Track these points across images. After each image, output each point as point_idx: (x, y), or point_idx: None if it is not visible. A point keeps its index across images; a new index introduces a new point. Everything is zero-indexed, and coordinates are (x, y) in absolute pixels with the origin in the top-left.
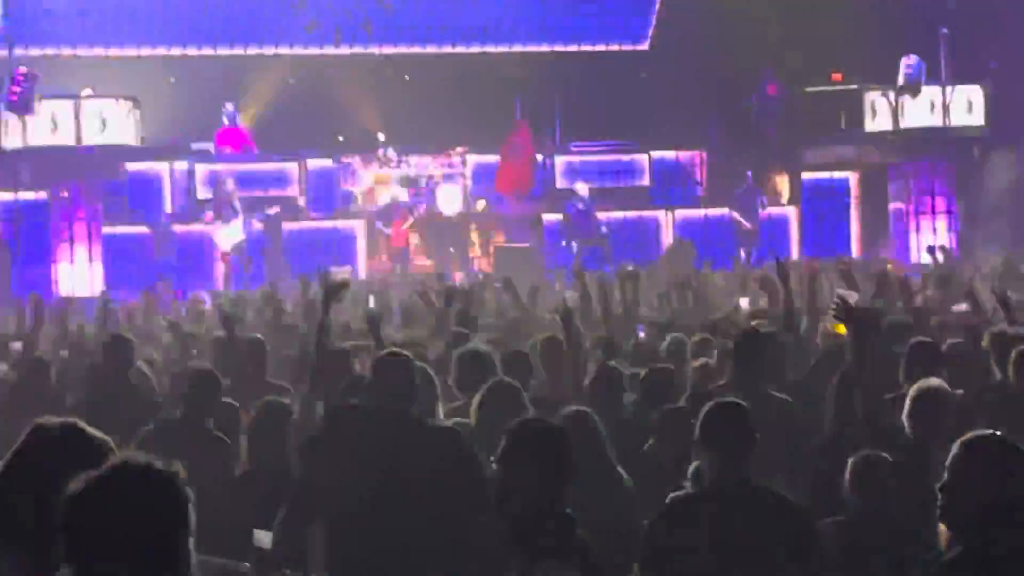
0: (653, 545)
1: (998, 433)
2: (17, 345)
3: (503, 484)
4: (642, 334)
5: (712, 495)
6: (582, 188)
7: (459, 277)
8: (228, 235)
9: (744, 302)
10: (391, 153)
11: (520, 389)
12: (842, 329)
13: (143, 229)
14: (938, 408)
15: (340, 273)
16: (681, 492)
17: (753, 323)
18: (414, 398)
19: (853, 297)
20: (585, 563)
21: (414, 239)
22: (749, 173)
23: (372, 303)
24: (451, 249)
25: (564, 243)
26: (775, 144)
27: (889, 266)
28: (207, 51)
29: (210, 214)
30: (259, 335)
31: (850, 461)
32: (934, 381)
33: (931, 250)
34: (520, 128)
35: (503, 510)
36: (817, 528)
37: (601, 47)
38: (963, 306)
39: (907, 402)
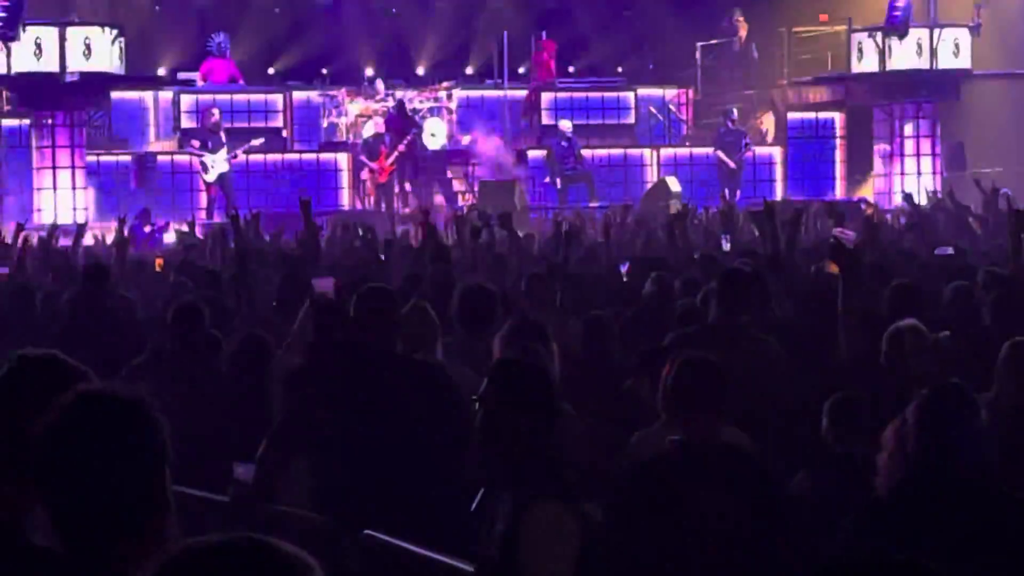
0: (619, 500)
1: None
2: (3, 270)
3: (488, 423)
4: (624, 269)
5: (678, 455)
6: (566, 124)
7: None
8: (213, 165)
9: (726, 241)
10: (379, 85)
11: (545, 327)
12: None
13: (126, 158)
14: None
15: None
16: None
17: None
18: (397, 332)
19: (848, 235)
20: (570, 498)
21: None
22: (734, 111)
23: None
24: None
25: (548, 179)
26: (739, 85)
27: (868, 210)
28: None
29: (196, 142)
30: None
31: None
32: (909, 321)
33: (907, 197)
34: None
35: (488, 448)
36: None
37: None
38: (949, 250)
39: (883, 343)
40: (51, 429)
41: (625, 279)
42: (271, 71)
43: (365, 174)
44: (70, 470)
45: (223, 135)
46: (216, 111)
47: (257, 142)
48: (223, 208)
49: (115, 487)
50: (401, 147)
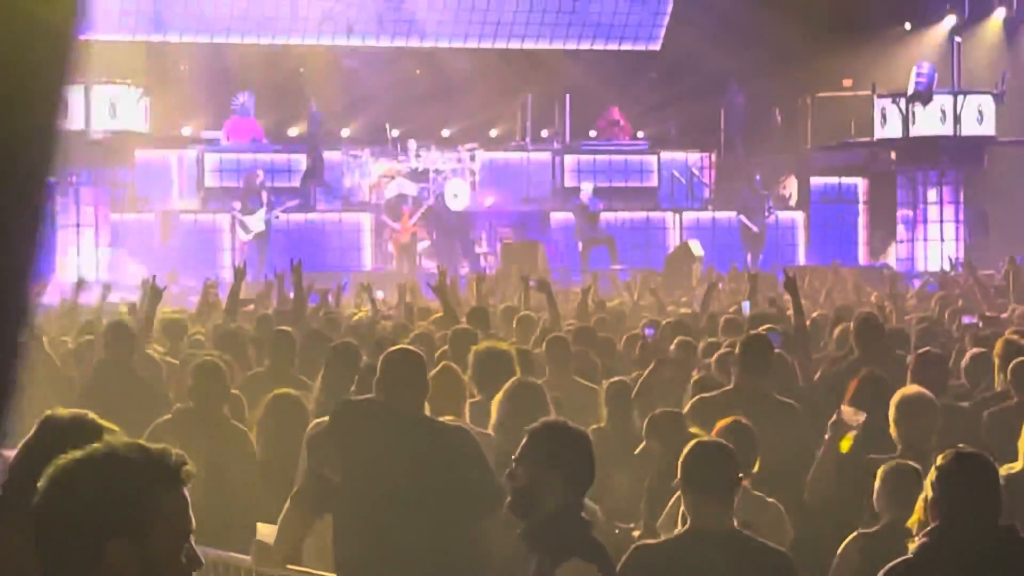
0: None
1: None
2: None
3: (525, 487)
4: (649, 333)
5: (690, 539)
6: (587, 187)
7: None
8: (252, 226)
9: (747, 306)
10: (411, 146)
11: (542, 389)
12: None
13: (149, 216)
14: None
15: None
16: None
17: (760, 328)
18: (425, 394)
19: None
20: (604, 564)
21: (421, 234)
22: (758, 176)
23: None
24: (457, 244)
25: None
26: (740, 152)
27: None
28: (219, 40)
29: (237, 204)
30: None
31: (881, 470)
32: (914, 388)
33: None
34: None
35: (522, 512)
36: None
37: (613, 46)
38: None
39: (892, 409)
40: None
41: (649, 342)
42: (295, 131)
43: (387, 234)
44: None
45: (264, 196)
46: (260, 172)
47: (292, 204)
48: (254, 266)
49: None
50: (424, 207)
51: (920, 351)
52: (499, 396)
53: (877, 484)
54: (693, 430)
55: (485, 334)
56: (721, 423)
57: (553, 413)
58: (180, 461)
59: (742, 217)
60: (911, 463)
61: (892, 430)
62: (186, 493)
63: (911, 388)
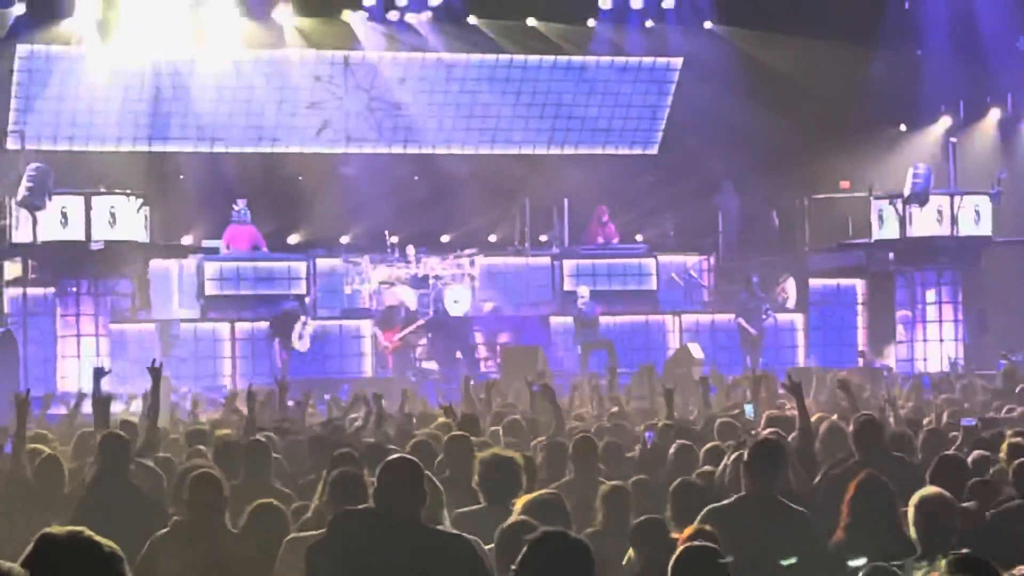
0: None
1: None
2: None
3: None
4: (649, 437)
5: None
6: (584, 291)
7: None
8: (300, 346)
9: (749, 408)
10: (410, 252)
11: (562, 499)
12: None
13: (150, 325)
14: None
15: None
16: None
17: (765, 431)
18: (423, 503)
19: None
20: None
21: (412, 344)
22: (755, 278)
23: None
24: (458, 354)
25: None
26: (735, 252)
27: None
28: (218, 149)
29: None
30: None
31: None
32: (933, 489)
33: (953, 365)
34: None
35: None
36: None
37: (611, 150)
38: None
39: (912, 510)
40: None
41: (648, 447)
42: (295, 239)
43: (379, 345)
44: None
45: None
46: (294, 303)
47: (310, 325)
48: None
49: None
50: (420, 321)
51: (943, 454)
52: (519, 506)
53: None
54: (674, 535)
55: (478, 440)
56: (688, 531)
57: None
58: None
59: (740, 320)
60: (891, 566)
61: (912, 531)
62: None
63: (931, 489)
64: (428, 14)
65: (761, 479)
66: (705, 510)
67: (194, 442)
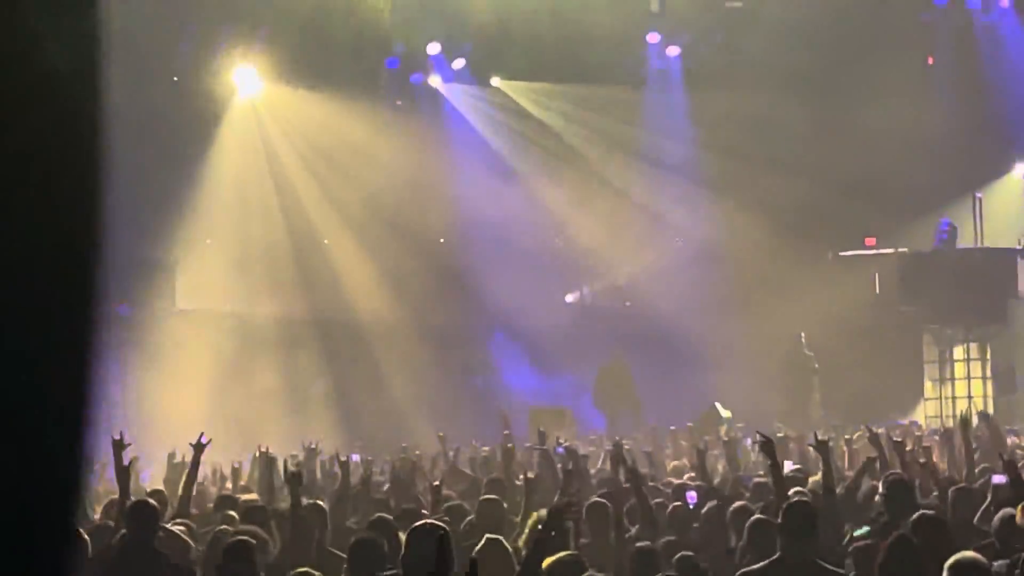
0: None
1: None
2: None
3: None
4: (691, 497)
5: None
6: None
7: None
8: None
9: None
10: None
11: (582, 559)
12: None
13: None
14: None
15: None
16: None
17: (792, 491)
18: (450, 569)
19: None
20: None
21: None
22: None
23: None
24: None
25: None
26: None
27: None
28: None
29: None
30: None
31: None
32: (969, 554)
33: (983, 416)
34: None
35: None
36: None
37: None
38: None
39: (945, 573)
40: None
41: (691, 507)
42: None
43: None
44: None
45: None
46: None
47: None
48: None
49: None
50: None
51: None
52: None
53: None
54: None
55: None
56: None
57: None
58: None
59: None
60: None
61: None
62: None
63: (967, 554)
64: None
65: (795, 541)
66: (741, 573)
67: (223, 508)
